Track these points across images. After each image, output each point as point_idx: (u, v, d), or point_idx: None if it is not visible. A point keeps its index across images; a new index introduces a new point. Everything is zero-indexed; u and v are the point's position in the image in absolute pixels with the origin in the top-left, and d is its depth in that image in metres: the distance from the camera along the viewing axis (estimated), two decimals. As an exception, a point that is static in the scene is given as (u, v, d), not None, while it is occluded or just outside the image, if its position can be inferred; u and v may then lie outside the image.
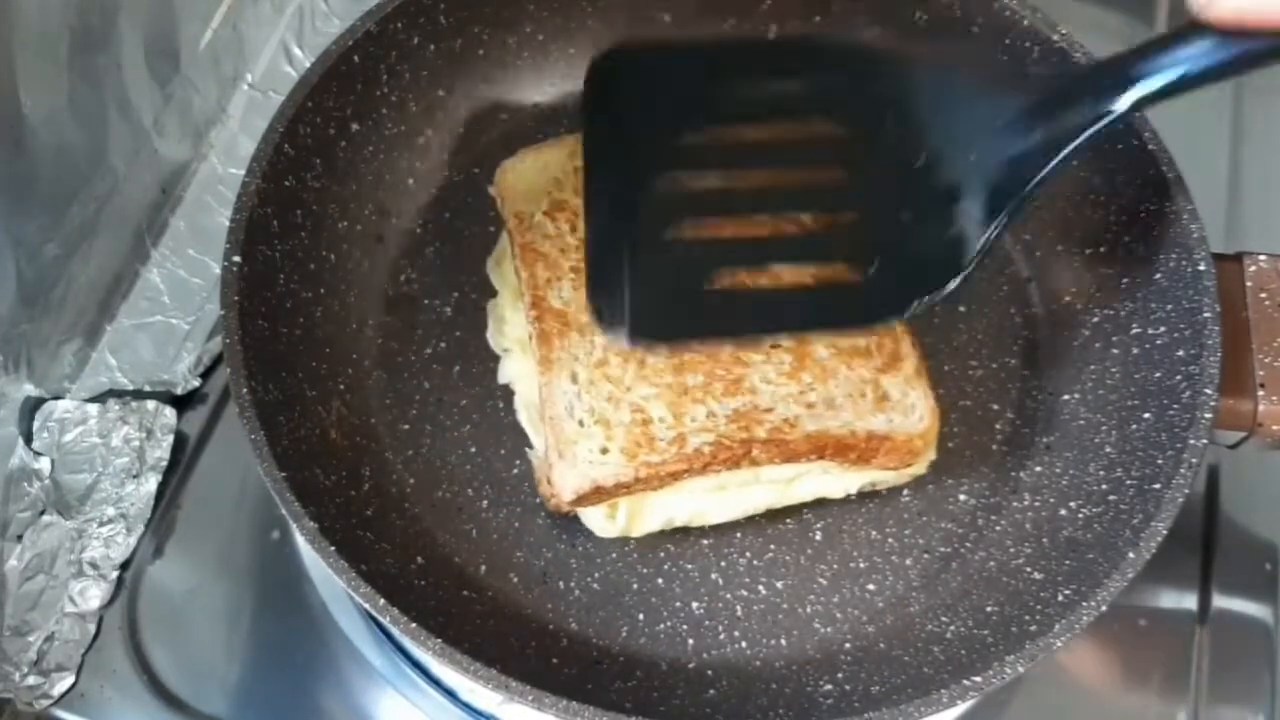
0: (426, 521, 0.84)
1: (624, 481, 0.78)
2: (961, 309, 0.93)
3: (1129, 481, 0.81)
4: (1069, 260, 0.93)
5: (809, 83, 0.75)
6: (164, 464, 0.91)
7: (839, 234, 0.74)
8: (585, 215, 0.72)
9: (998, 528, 0.85)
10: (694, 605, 0.82)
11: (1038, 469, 0.87)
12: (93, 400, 0.93)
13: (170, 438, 0.92)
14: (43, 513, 0.88)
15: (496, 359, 0.89)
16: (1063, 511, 0.84)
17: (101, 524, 0.88)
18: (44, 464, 0.89)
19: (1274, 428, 0.81)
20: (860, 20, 1.00)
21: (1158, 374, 0.84)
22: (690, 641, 0.81)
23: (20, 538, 0.87)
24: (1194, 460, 0.77)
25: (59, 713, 0.84)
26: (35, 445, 0.90)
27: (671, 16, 1.01)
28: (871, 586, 0.83)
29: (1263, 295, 0.84)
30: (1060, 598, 0.76)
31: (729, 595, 0.82)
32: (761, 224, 0.75)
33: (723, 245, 0.73)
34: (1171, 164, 0.87)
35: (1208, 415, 0.78)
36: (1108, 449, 0.84)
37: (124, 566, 0.88)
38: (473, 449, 0.87)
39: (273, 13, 1.09)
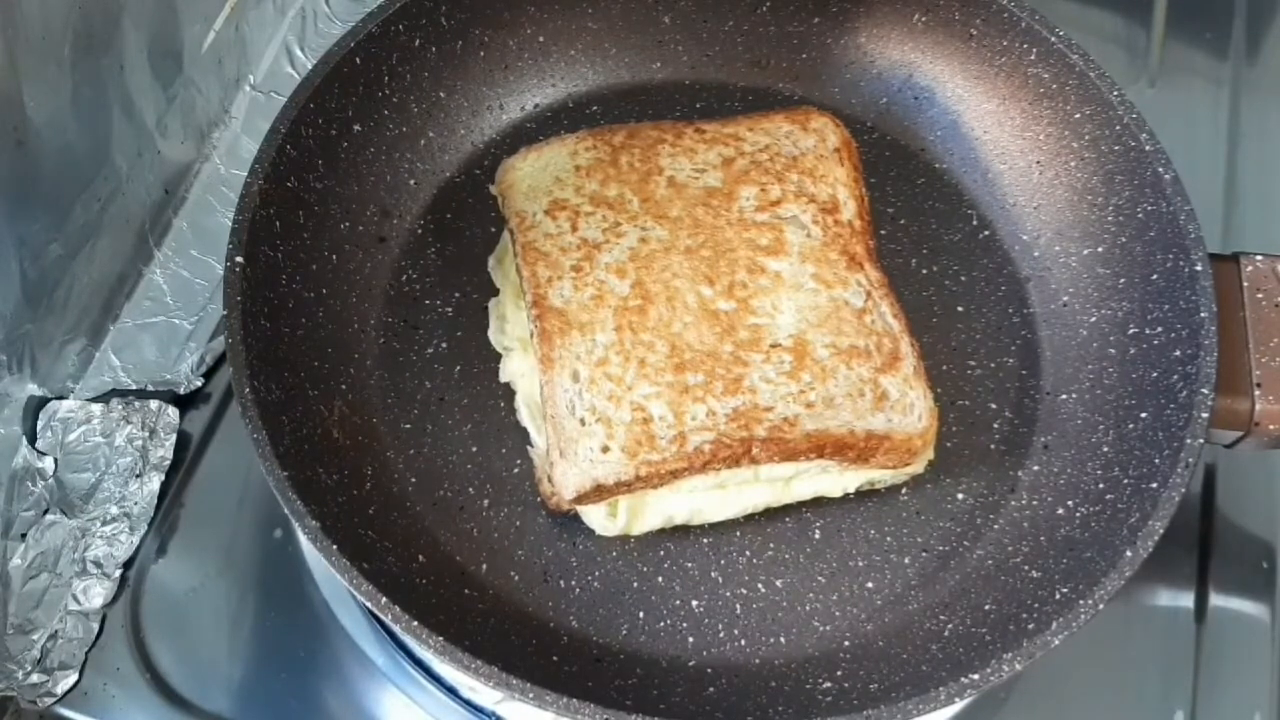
0: (428, 520, 0.84)
1: (624, 480, 0.79)
2: (960, 309, 0.93)
3: (1126, 481, 0.81)
4: (1067, 260, 0.93)
5: None
6: (167, 463, 0.91)
7: None
8: None
9: (995, 526, 0.85)
10: (694, 603, 0.82)
11: (1035, 468, 0.87)
12: (96, 400, 0.93)
13: (173, 437, 0.92)
14: (46, 512, 0.88)
15: (497, 359, 0.90)
16: (1060, 510, 0.84)
17: (105, 523, 0.88)
18: (47, 463, 0.90)
19: (1270, 427, 0.82)
20: (860, 22, 1.00)
21: (1155, 374, 0.84)
22: (690, 639, 0.81)
23: (24, 536, 0.87)
24: (1191, 459, 0.78)
25: (62, 710, 0.84)
26: (39, 445, 0.90)
27: (671, 18, 1.01)
28: (870, 585, 0.83)
29: (1259, 295, 0.84)
30: (1058, 596, 0.77)
31: (728, 593, 0.83)
32: None
33: None
34: (1169, 164, 0.87)
35: (1204, 415, 0.79)
36: (1105, 448, 0.85)
37: (127, 565, 0.88)
38: (474, 448, 0.87)
39: (275, 14, 1.09)
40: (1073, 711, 0.86)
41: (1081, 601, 0.74)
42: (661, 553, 0.84)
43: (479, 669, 0.71)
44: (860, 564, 0.84)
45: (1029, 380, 0.90)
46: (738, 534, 0.85)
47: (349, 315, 0.90)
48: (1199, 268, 0.83)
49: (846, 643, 0.81)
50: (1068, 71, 0.92)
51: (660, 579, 0.83)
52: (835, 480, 0.84)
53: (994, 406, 0.90)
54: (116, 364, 0.95)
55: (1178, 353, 0.83)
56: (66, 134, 0.86)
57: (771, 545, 0.84)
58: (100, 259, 0.93)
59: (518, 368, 0.88)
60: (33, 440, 0.90)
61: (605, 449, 0.79)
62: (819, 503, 0.86)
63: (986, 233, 0.96)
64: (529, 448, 0.86)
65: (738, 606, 0.82)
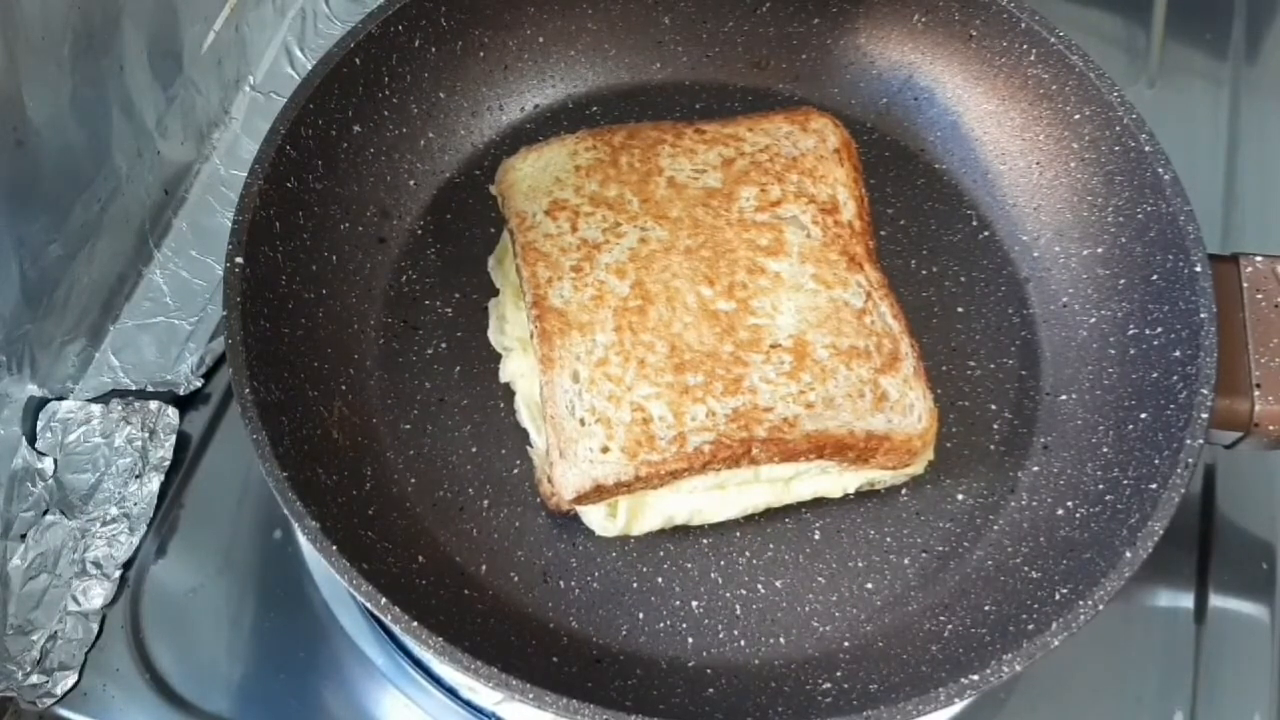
0: (427, 521, 0.84)
1: (624, 480, 0.79)
2: (960, 309, 0.93)
3: (1126, 481, 0.81)
4: (1066, 261, 0.93)
5: None
6: (167, 464, 0.91)
7: None
8: None
9: (995, 527, 0.85)
10: (693, 604, 0.82)
11: (1035, 469, 0.87)
12: (96, 400, 0.93)
13: (173, 438, 0.92)
14: (46, 512, 0.88)
15: (497, 359, 0.90)
16: (1060, 511, 0.84)
17: (104, 523, 0.88)
18: (47, 464, 0.90)
19: (1270, 428, 0.82)
20: (860, 22, 1.00)
21: (1154, 374, 0.84)
22: (690, 640, 0.81)
23: (24, 537, 0.87)
24: (1190, 460, 0.78)
25: (62, 711, 0.84)
26: (39, 445, 0.90)
27: (671, 19, 1.01)
28: (870, 585, 0.83)
29: (1259, 296, 0.84)
30: (1057, 597, 0.77)
31: (728, 594, 0.83)
32: None
33: None
34: (1168, 165, 0.87)
35: (1204, 415, 0.79)
36: (1105, 449, 0.85)
37: (127, 566, 0.88)
38: (473, 449, 0.87)
39: (275, 15, 1.09)
40: (1073, 712, 0.86)
41: (1081, 602, 0.74)
42: (661, 553, 0.84)
43: (479, 669, 0.71)
44: (860, 565, 0.84)
45: (1029, 381, 0.90)
46: (737, 534, 0.85)
47: (349, 315, 0.90)
48: (1199, 268, 0.83)
49: (846, 643, 0.81)
50: (1067, 72, 0.92)
51: (660, 580, 0.83)
52: (835, 481, 0.84)
53: (994, 407, 0.90)
54: (116, 364, 0.95)
55: (1177, 353, 0.83)
56: (66, 134, 0.86)
57: (771, 546, 0.84)
58: (100, 259, 0.93)
59: (517, 368, 0.88)
60: (32, 441, 0.90)
61: (605, 449, 0.79)
62: (819, 503, 0.86)
63: (986, 233, 0.96)
64: (529, 448, 0.86)
65: (737, 607, 0.82)
